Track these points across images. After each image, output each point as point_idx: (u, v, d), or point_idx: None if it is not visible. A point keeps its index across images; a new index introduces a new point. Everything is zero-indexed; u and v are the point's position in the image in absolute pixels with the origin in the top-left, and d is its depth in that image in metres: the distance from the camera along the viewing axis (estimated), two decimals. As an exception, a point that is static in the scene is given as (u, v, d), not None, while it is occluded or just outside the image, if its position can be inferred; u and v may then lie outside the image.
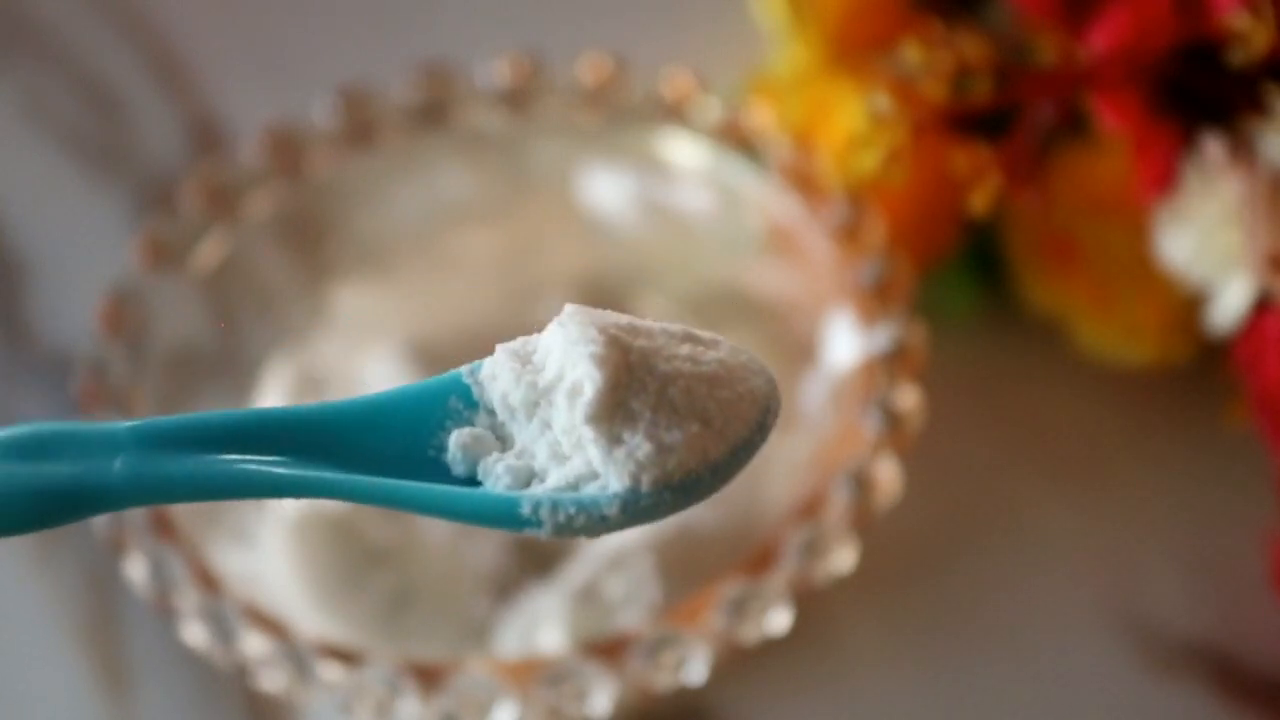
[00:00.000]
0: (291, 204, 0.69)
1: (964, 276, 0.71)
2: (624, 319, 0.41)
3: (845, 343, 0.64)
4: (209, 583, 0.58)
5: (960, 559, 0.67)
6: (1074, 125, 0.67)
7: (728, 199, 0.69)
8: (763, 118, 0.68)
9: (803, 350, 0.66)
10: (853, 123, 0.63)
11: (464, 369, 0.41)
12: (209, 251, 0.67)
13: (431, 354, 0.67)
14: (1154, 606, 0.65)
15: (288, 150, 0.69)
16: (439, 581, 0.63)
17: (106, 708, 0.65)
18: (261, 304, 0.69)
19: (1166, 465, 0.68)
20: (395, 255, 0.70)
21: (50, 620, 0.67)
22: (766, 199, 0.68)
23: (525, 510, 0.39)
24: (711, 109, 0.68)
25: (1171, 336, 0.67)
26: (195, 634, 0.58)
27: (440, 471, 0.41)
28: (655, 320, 0.41)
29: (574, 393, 0.39)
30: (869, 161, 0.60)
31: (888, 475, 0.59)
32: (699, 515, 0.62)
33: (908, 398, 0.61)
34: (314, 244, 0.70)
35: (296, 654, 0.57)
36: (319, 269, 0.70)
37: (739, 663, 0.60)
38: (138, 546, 0.59)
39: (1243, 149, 0.59)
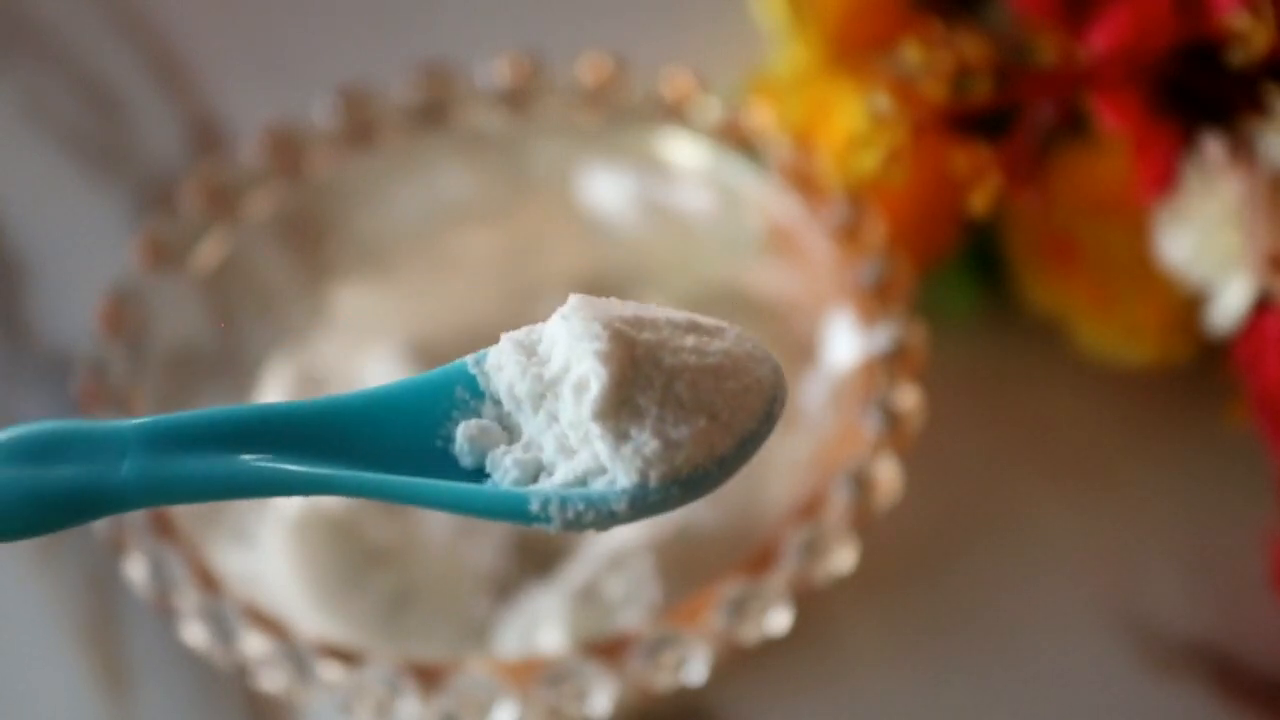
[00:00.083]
0: (291, 204, 0.69)
1: (964, 276, 0.71)
2: (629, 309, 0.41)
3: (845, 343, 0.64)
4: (209, 583, 0.58)
5: (960, 559, 0.67)
6: (1074, 125, 0.67)
7: (728, 199, 0.69)
8: (763, 118, 0.68)
9: (803, 350, 0.66)
10: (853, 123, 0.63)
11: (469, 358, 0.41)
12: (209, 251, 0.67)
13: (431, 354, 0.67)
14: (1154, 606, 0.65)
15: (288, 150, 0.69)
16: (439, 581, 0.63)
17: (106, 708, 0.65)
18: (261, 304, 0.69)
19: (1166, 465, 0.68)
20: (395, 255, 0.70)
21: (50, 620, 0.67)
22: (766, 199, 0.68)
23: (534, 507, 0.39)
24: (711, 109, 0.68)
25: (1171, 336, 0.67)
26: (195, 634, 0.58)
27: (448, 462, 0.41)
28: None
29: (580, 388, 0.39)
30: (869, 161, 0.60)
31: (888, 475, 0.59)
32: (699, 515, 0.62)
33: (908, 398, 0.61)
34: (314, 244, 0.70)
35: (296, 654, 0.57)
36: (319, 269, 0.70)
37: (739, 663, 0.60)
38: (138, 546, 0.59)
39: (1243, 149, 0.59)
